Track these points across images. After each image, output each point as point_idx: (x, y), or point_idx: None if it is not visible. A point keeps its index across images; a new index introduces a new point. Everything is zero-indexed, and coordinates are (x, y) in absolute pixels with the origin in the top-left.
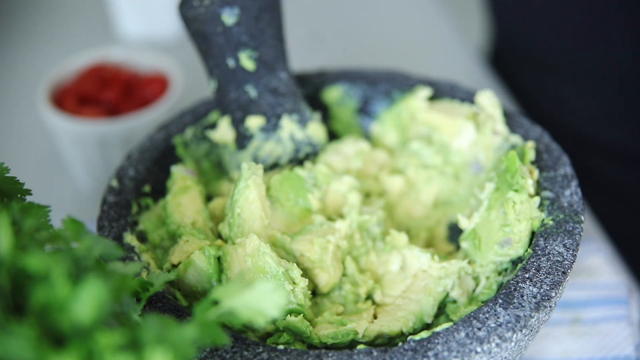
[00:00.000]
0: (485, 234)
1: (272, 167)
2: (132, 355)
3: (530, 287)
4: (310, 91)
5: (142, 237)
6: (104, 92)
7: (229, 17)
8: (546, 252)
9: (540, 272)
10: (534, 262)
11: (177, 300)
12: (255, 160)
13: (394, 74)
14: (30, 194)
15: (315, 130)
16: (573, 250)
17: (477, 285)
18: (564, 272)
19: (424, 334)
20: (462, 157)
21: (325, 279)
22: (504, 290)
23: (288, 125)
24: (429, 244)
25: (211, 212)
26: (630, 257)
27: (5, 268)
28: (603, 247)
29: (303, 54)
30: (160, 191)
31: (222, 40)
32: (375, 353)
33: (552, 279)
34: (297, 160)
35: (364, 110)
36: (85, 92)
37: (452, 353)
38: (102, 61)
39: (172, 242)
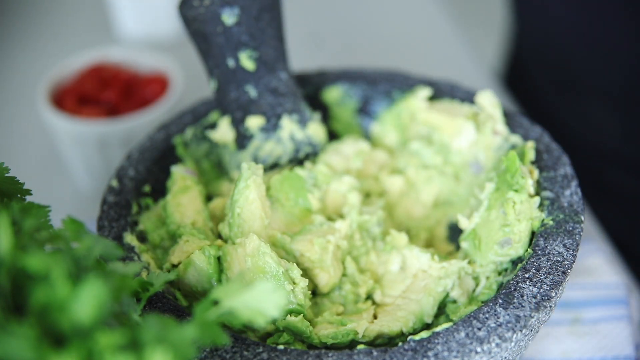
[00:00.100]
0: (485, 234)
1: (272, 167)
2: (132, 355)
3: (530, 287)
4: (310, 91)
5: (142, 237)
6: (104, 92)
7: (229, 17)
8: (546, 252)
9: (540, 272)
10: (534, 262)
11: (177, 300)
12: (255, 160)
13: (394, 74)
14: (30, 194)
15: (315, 130)
16: (573, 250)
17: (477, 285)
18: (564, 272)
19: (424, 334)
20: (462, 157)
21: (325, 279)
22: (504, 290)
23: (288, 125)
24: (429, 244)
25: (211, 212)
26: (630, 257)
27: (5, 268)
28: (603, 247)
29: (303, 54)
30: (160, 191)
31: (222, 40)
32: (375, 353)
33: (552, 279)
34: (297, 160)
35: (364, 110)
36: (85, 92)
37: (452, 353)
38: (102, 61)
39: (172, 242)
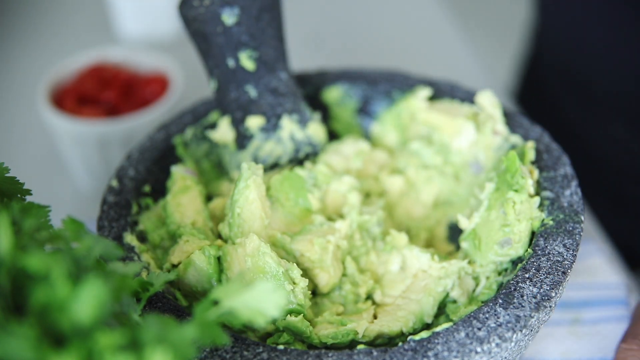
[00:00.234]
0: (485, 234)
1: (272, 167)
2: (132, 355)
3: (530, 287)
4: (310, 91)
5: (142, 237)
6: (104, 92)
7: (229, 17)
8: (546, 252)
9: (540, 272)
10: (534, 262)
11: (177, 300)
12: (255, 160)
13: (394, 74)
14: (30, 194)
15: (315, 130)
16: (573, 250)
17: (477, 285)
18: (564, 272)
19: (424, 334)
20: (462, 157)
21: (325, 279)
22: (504, 290)
23: (288, 125)
24: (429, 244)
25: (211, 212)
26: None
27: (5, 268)
28: (603, 247)
29: (303, 54)
30: (160, 191)
31: (222, 40)
32: (375, 353)
33: (552, 279)
34: (297, 160)
35: (364, 110)
36: (85, 92)
37: (452, 353)
38: (102, 61)
39: (172, 242)
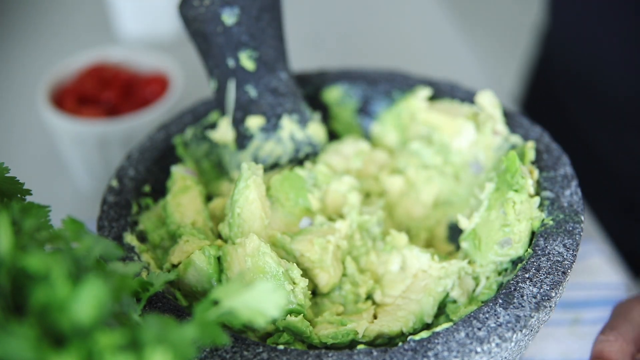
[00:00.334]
0: (485, 234)
1: (272, 167)
2: (132, 355)
3: (530, 287)
4: (310, 91)
5: (142, 237)
6: (104, 92)
7: (229, 17)
8: (546, 252)
9: (540, 272)
10: (534, 262)
11: (177, 300)
12: (255, 160)
13: (394, 74)
14: (30, 194)
15: (315, 130)
16: (573, 250)
17: (477, 285)
18: (564, 272)
19: (424, 334)
20: (462, 157)
21: (325, 279)
22: (504, 290)
23: (288, 125)
24: (429, 244)
25: (211, 212)
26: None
27: (5, 268)
28: (603, 247)
29: (303, 54)
30: (160, 191)
31: (222, 40)
32: (375, 353)
33: (552, 279)
34: (297, 160)
35: (364, 110)
36: (85, 92)
37: (452, 353)
38: (102, 61)
39: (172, 242)
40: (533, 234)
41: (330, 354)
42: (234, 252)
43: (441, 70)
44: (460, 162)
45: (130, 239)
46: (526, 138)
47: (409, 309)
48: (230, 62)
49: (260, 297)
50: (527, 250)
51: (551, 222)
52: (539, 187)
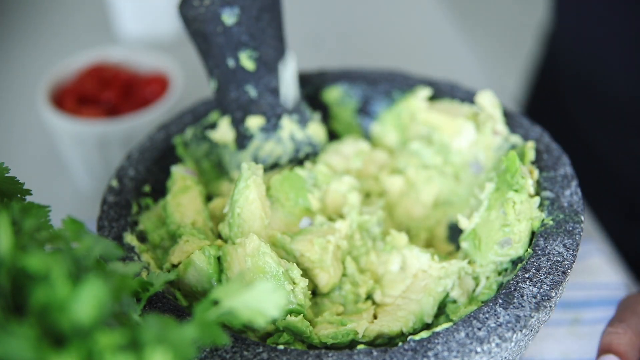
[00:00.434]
0: (485, 234)
1: (272, 167)
2: (132, 355)
3: (530, 287)
4: (310, 91)
5: (142, 237)
6: (104, 92)
7: (229, 17)
8: (546, 252)
9: (540, 272)
10: (534, 262)
11: (177, 300)
12: (255, 160)
13: (394, 74)
14: (30, 194)
15: (315, 130)
16: (573, 250)
17: (477, 285)
18: (564, 272)
19: (424, 334)
20: (462, 157)
21: (325, 279)
22: (504, 290)
23: (288, 125)
24: (429, 244)
25: (211, 212)
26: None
27: (5, 268)
28: (603, 247)
29: (303, 54)
30: (160, 191)
31: (222, 40)
32: (375, 353)
33: (552, 279)
34: (297, 160)
35: (364, 110)
36: (85, 92)
37: (452, 353)
38: (102, 61)
39: (172, 242)
40: (533, 234)
41: (330, 354)
42: (234, 252)
43: (441, 70)
44: (460, 162)
45: (130, 239)
46: (526, 138)
47: (409, 309)
48: (230, 62)
49: (260, 297)
50: (527, 250)
51: (551, 222)
52: (539, 187)
